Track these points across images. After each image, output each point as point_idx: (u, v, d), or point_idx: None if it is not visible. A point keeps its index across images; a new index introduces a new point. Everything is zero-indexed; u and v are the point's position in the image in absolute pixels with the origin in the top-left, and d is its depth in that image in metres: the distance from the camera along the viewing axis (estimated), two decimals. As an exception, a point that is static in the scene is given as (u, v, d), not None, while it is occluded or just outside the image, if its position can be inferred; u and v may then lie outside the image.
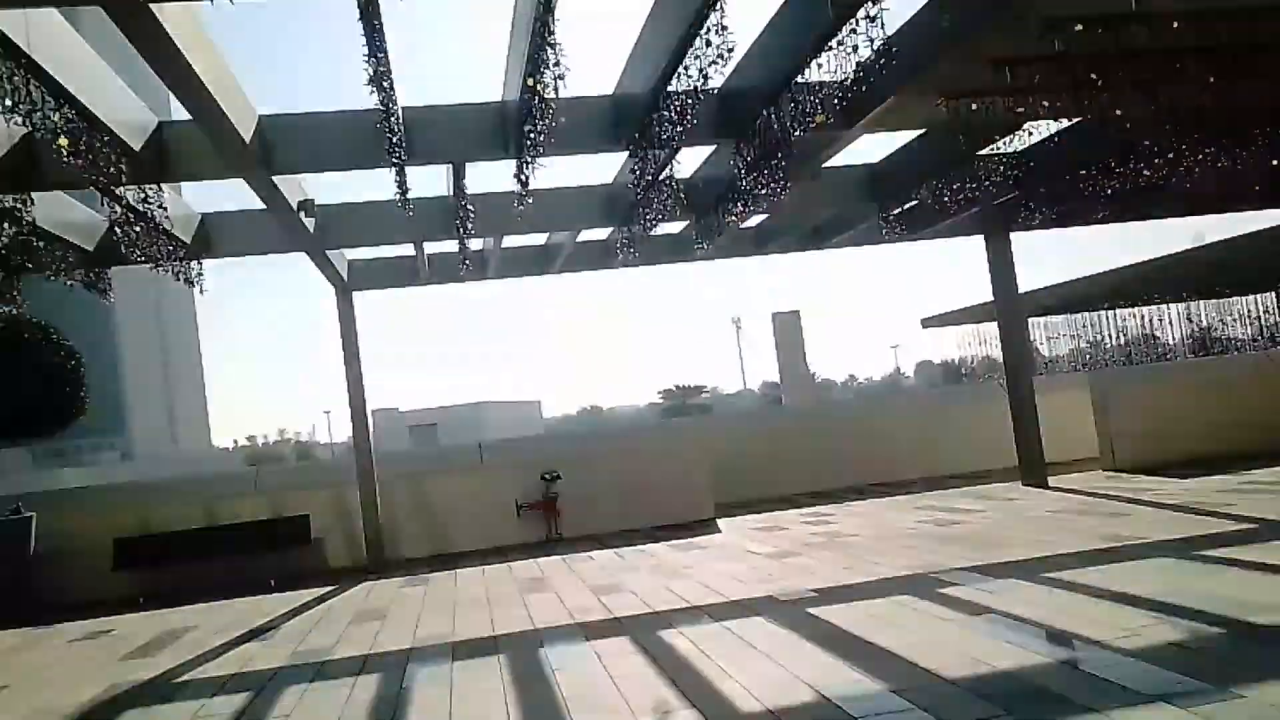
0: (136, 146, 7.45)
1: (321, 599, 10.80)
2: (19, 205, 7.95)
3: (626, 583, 9.64)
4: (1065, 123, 9.66)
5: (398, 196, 8.61)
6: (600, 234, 13.09)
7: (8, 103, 5.69)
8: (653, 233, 11.54)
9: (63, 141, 6.32)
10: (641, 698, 5.65)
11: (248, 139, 7.39)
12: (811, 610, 7.46)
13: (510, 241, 13.16)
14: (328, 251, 11.77)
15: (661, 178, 9.18)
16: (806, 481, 16.38)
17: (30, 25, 5.62)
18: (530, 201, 9.15)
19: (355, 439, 13.82)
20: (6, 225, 8.24)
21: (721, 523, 13.55)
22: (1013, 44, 7.17)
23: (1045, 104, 7.56)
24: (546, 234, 13.34)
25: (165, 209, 8.35)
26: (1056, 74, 7.11)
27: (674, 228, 13.23)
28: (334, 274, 12.84)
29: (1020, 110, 7.65)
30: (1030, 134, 9.18)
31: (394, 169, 8.09)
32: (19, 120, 5.89)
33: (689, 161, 10.54)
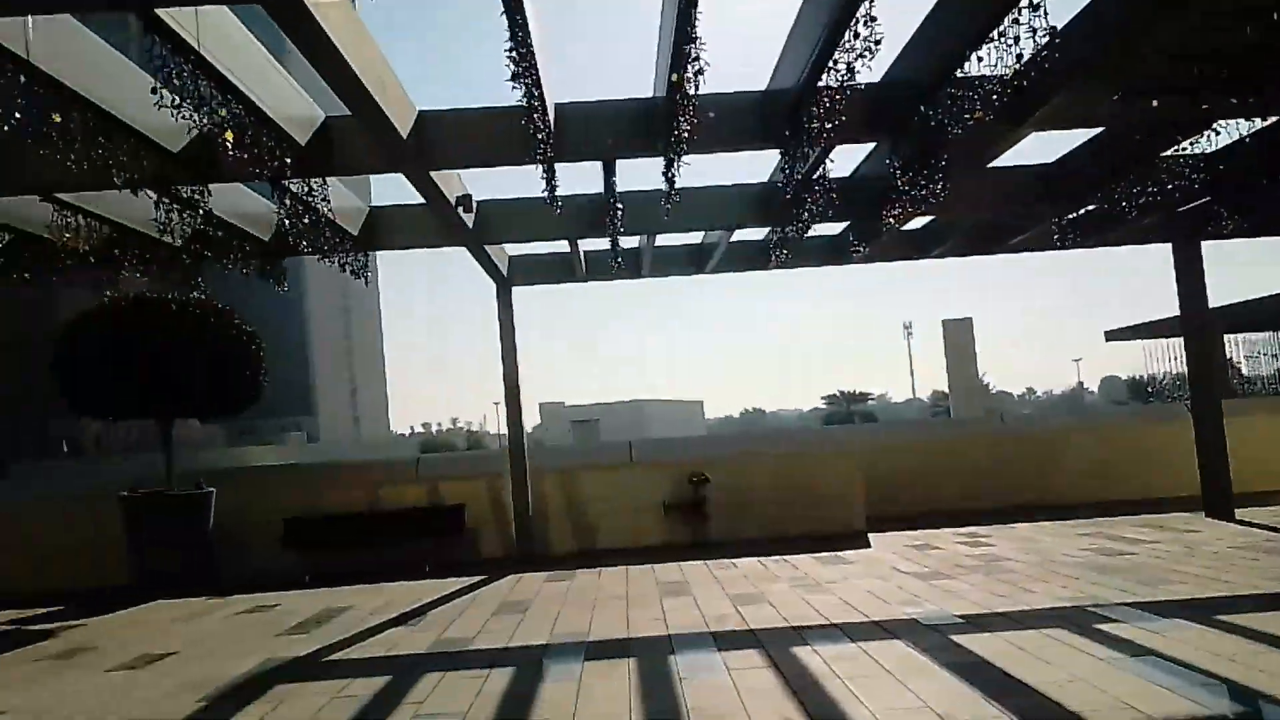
0: (302, 141, 7.78)
1: (470, 589, 11.05)
2: (197, 195, 8.42)
3: (767, 593, 9.43)
4: (1260, 122, 8.82)
5: (546, 193, 8.68)
6: (756, 234, 12.89)
7: (177, 98, 6.01)
8: (809, 234, 11.27)
9: (229, 135, 6.65)
10: (765, 714, 5.47)
11: (405, 134, 7.60)
12: (955, 637, 7.07)
13: (664, 240, 13.13)
14: (487, 247, 12.03)
15: (814, 177, 8.93)
16: (968, 498, 15.67)
17: (200, 21, 5.92)
18: (678, 200, 9.07)
19: (509, 432, 14.11)
20: (187, 215, 8.76)
21: (873, 537, 13.11)
22: (1199, 34, 6.56)
23: (1235, 100, 6.90)
24: (702, 233, 13.24)
25: (329, 202, 8.68)
26: (1246, 67, 6.46)
27: (832, 229, 12.88)
28: (493, 269, 13.13)
29: (1206, 107, 7.01)
30: (1218, 132, 8.42)
31: (542, 165, 8.15)
32: (186, 116, 6.22)
33: (847, 160, 10.27)
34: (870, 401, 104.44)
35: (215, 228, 9.84)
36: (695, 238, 13.62)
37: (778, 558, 11.69)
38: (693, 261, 13.99)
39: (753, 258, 13.67)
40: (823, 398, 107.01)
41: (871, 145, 9.81)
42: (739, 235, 12.78)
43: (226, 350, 12.90)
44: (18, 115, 6.14)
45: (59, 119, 6.40)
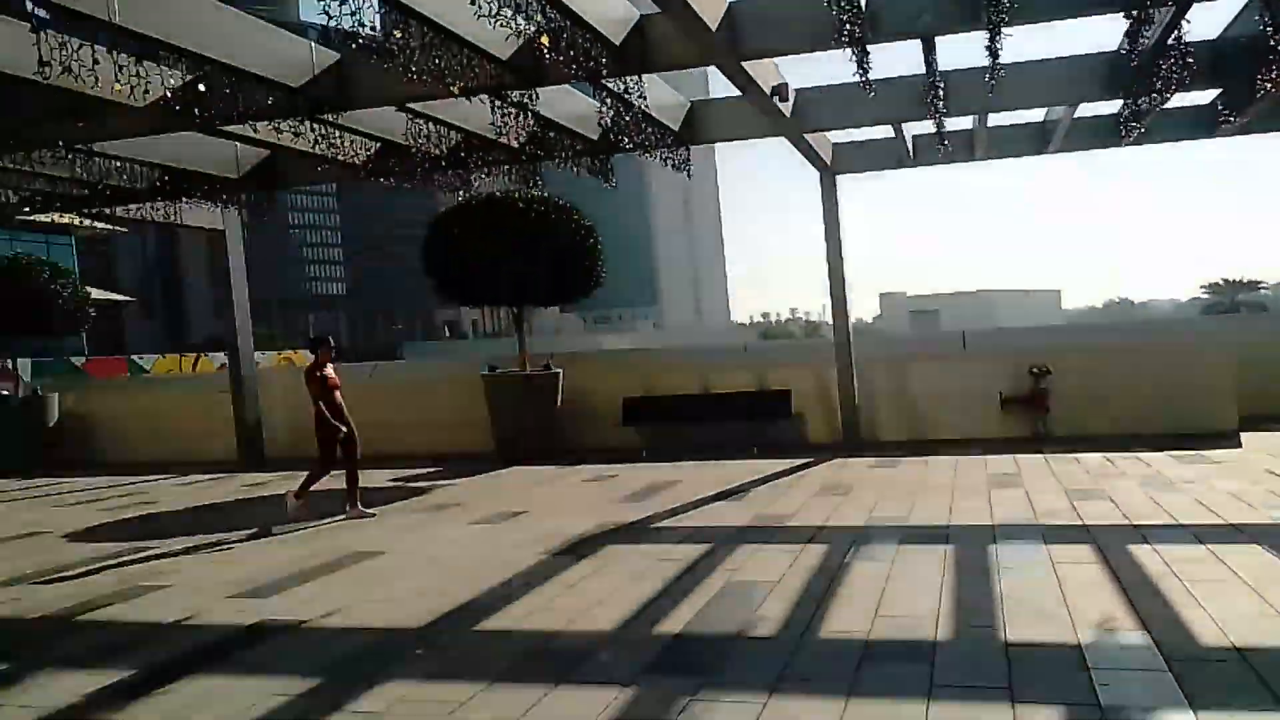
0: (617, 40, 7.97)
1: (793, 470, 11.26)
2: (527, 99, 8.92)
3: (1108, 490, 8.80)
4: None
5: (859, 77, 8.32)
6: (1107, 107, 11.61)
7: (497, 4, 6.31)
8: (1167, 105, 10.00)
9: (544, 40, 6.93)
10: (1087, 610, 5.18)
11: (714, 26, 7.57)
12: (1329, 546, 6.26)
13: (1000, 120, 12.19)
14: (808, 135, 11.79)
15: (1169, 41, 7.85)
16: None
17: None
18: (1003, 75, 8.35)
19: (835, 321, 14.00)
20: (520, 118, 9.32)
21: (1248, 437, 11.70)
22: None
23: None
24: (1044, 110, 12.15)
25: (645, 99, 8.86)
26: None
27: (1198, 98, 11.33)
28: (815, 157, 12.88)
29: None
30: None
31: (854, 48, 7.79)
32: (505, 23, 6.51)
33: (1214, 20, 8.94)
34: (1262, 290, 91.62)
35: (546, 129, 10.42)
36: (1036, 115, 12.53)
37: (1127, 454, 10.83)
38: (1033, 141, 12.91)
39: (1102, 134, 12.37)
40: (1203, 286, 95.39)
41: (1242, 2, 8.46)
42: (1086, 110, 11.60)
43: (566, 244, 13.74)
44: (367, 30, 6.74)
45: (400, 34, 6.97)
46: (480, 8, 6.35)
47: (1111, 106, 11.32)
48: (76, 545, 8.88)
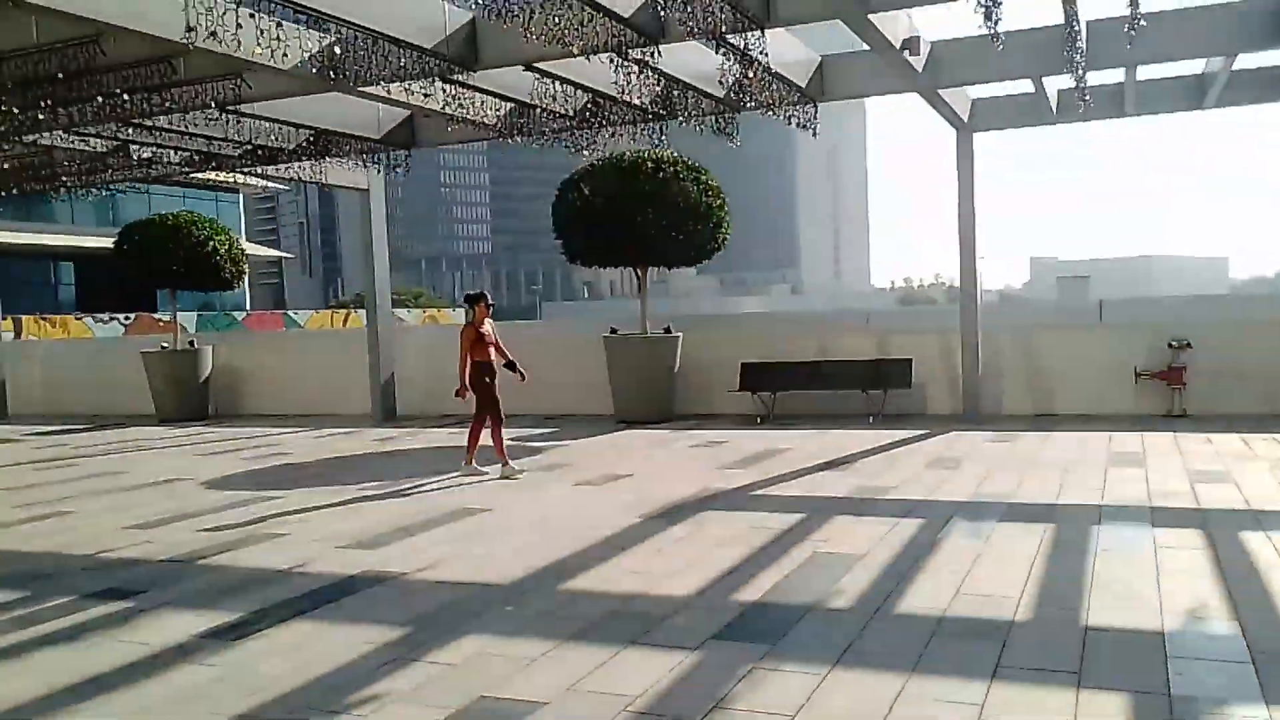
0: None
1: (906, 441, 11.07)
2: (649, 57, 8.91)
3: (1236, 472, 8.36)
4: None
5: (989, 27, 7.99)
6: (1273, 57, 10.83)
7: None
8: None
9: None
10: (1180, 597, 4.99)
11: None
12: None
13: (1150, 73, 11.52)
14: (943, 91, 11.43)
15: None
16: None
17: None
18: (1142, 24, 7.89)
19: (962, 287, 13.60)
20: (644, 76, 9.35)
21: None
22: None
23: None
24: (1203, 60, 11.41)
25: (766, 55, 8.75)
26: None
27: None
28: (951, 114, 12.48)
29: None
30: None
31: (981, -1, 7.49)
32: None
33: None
34: None
35: (671, 87, 10.41)
36: (1193, 67, 11.79)
37: (1266, 436, 10.22)
38: (1188, 96, 12.15)
39: (1269, 87, 11.55)
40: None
41: None
42: (1247, 61, 10.84)
43: (690, 206, 13.73)
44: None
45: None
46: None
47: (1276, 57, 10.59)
48: (211, 493, 9.53)
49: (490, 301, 10.05)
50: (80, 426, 16.62)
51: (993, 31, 8.08)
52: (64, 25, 7.49)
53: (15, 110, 8.85)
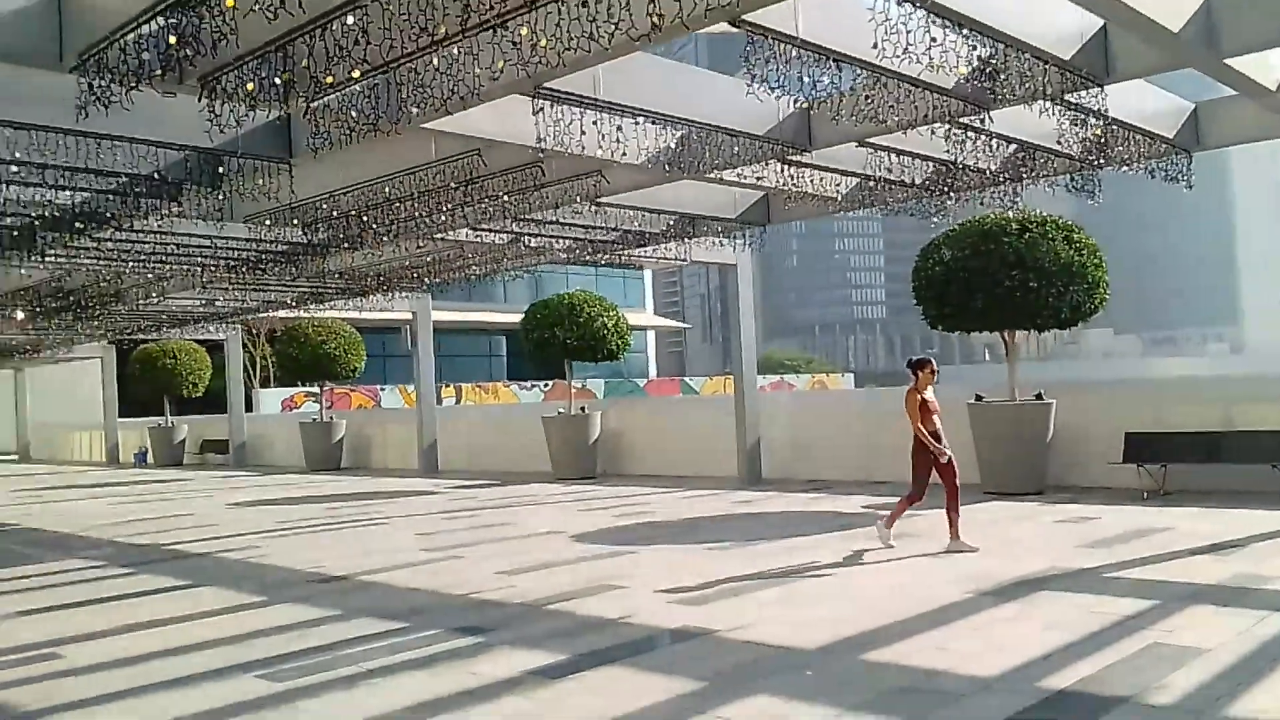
0: (1067, 55, 7.59)
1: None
2: (981, 120, 8.73)
3: None
4: None
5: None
6: None
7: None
8: None
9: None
10: None
11: (1176, 28, 6.92)
12: None
13: None
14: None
15: None
16: None
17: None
18: None
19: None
20: (981, 140, 9.19)
21: None
22: None
23: None
24: None
25: (1107, 110, 8.25)
26: None
27: None
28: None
29: None
30: None
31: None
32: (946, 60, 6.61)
33: None
34: None
35: (1019, 148, 10.09)
36: None
37: None
38: None
39: None
40: None
41: None
42: None
43: (1060, 265, 12.96)
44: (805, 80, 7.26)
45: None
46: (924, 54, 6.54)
47: None
48: (577, 545, 10.50)
49: (935, 368, 9.48)
50: (490, 482, 18.87)
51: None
52: (454, 143, 8.91)
53: (425, 213, 10.65)
